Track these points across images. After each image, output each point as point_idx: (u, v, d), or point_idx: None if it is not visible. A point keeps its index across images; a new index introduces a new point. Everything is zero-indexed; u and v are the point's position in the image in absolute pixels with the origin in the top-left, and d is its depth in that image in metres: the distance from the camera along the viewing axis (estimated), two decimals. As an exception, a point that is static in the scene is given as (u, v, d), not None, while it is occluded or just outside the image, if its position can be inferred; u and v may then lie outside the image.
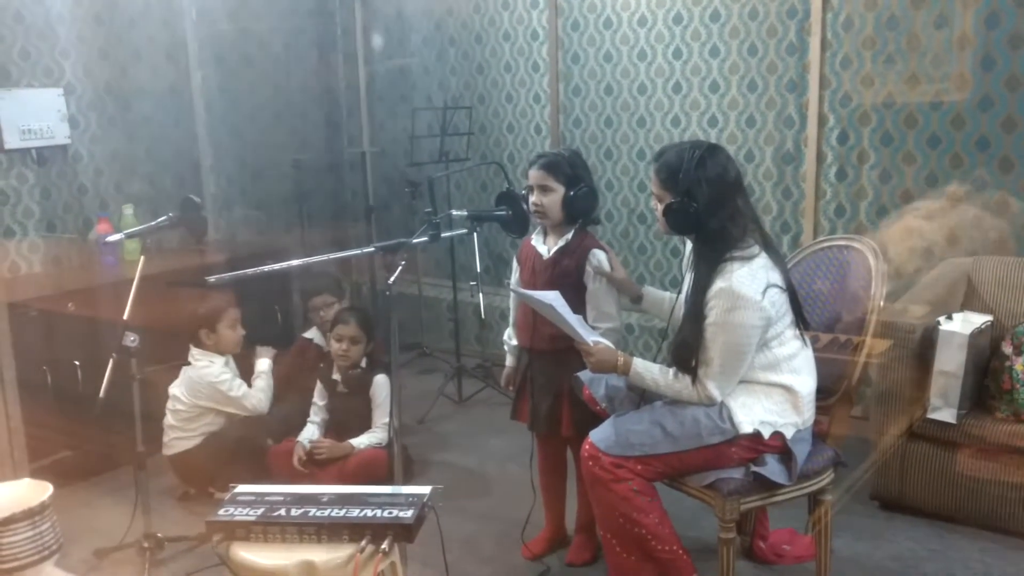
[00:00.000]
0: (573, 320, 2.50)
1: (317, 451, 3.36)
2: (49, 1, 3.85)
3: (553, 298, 2.50)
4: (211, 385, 3.41)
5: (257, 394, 3.47)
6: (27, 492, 2.40)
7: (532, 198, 2.71)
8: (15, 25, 3.75)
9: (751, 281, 2.27)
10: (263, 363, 3.55)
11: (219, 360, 3.47)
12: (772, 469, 2.36)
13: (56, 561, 2.48)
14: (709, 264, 2.33)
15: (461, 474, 3.59)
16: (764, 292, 2.27)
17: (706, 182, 2.30)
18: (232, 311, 3.49)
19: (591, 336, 2.50)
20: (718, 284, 2.28)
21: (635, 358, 2.43)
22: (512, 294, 2.95)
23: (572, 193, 2.69)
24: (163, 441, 3.44)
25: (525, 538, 2.95)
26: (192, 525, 3.04)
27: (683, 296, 2.46)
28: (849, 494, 3.08)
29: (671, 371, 2.38)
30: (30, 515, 2.30)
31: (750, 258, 2.30)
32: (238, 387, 3.45)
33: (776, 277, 2.34)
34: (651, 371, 2.41)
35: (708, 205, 2.30)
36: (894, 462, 3.01)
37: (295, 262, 2.36)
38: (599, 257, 2.71)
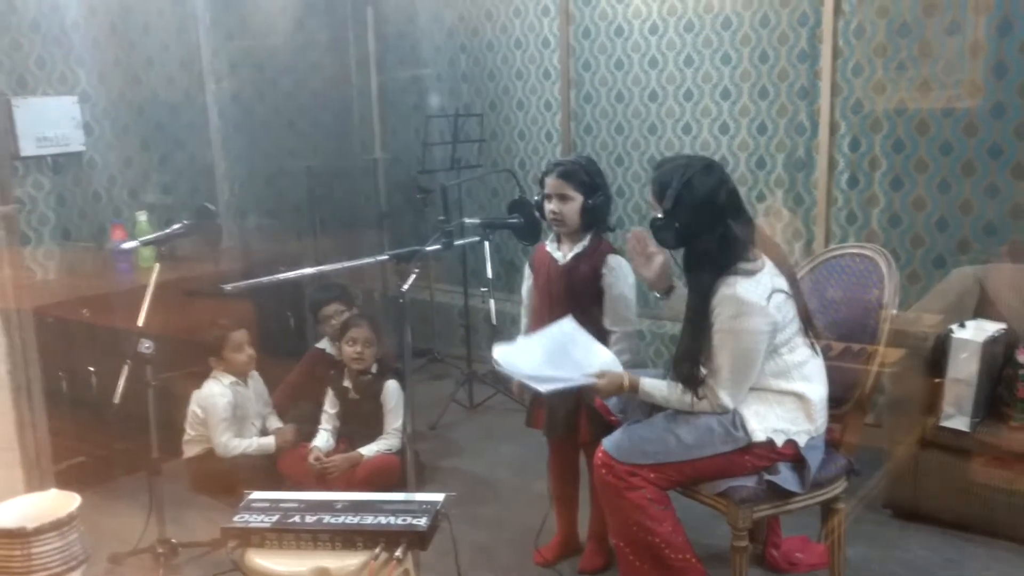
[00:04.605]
0: (581, 345, 2.52)
1: (327, 471, 3.37)
2: (65, 10, 3.88)
3: (562, 328, 2.54)
4: (208, 400, 3.49)
5: (226, 445, 3.46)
6: (55, 503, 2.41)
7: (550, 206, 2.71)
8: (32, 34, 3.78)
9: (755, 287, 2.28)
10: (266, 442, 3.55)
11: (225, 380, 3.53)
12: (785, 477, 2.36)
13: (83, 572, 2.49)
14: (698, 280, 2.34)
15: (472, 480, 3.60)
16: (769, 297, 2.29)
17: (693, 202, 2.31)
18: (236, 335, 3.54)
19: (597, 361, 2.51)
20: (722, 291, 2.30)
21: (641, 378, 2.45)
22: (524, 299, 2.96)
23: (591, 202, 2.71)
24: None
25: (537, 544, 2.95)
26: (206, 531, 3.05)
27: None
28: (862, 502, 3.07)
29: (679, 386, 2.39)
30: (58, 526, 2.31)
31: (757, 270, 2.32)
32: (219, 420, 3.47)
33: (781, 283, 2.35)
34: (659, 388, 2.42)
35: (693, 224, 2.31)
36: (907, 470, 3.00)
37: (310, 270, 2.38)
38: (615, 263, 2.73)
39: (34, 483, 2.59)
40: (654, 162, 4.16)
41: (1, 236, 2.45)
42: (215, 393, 3.49)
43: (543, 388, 2.45)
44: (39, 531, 2.28)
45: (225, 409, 3.48)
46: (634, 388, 2.44)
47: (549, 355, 2.52)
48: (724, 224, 2.32)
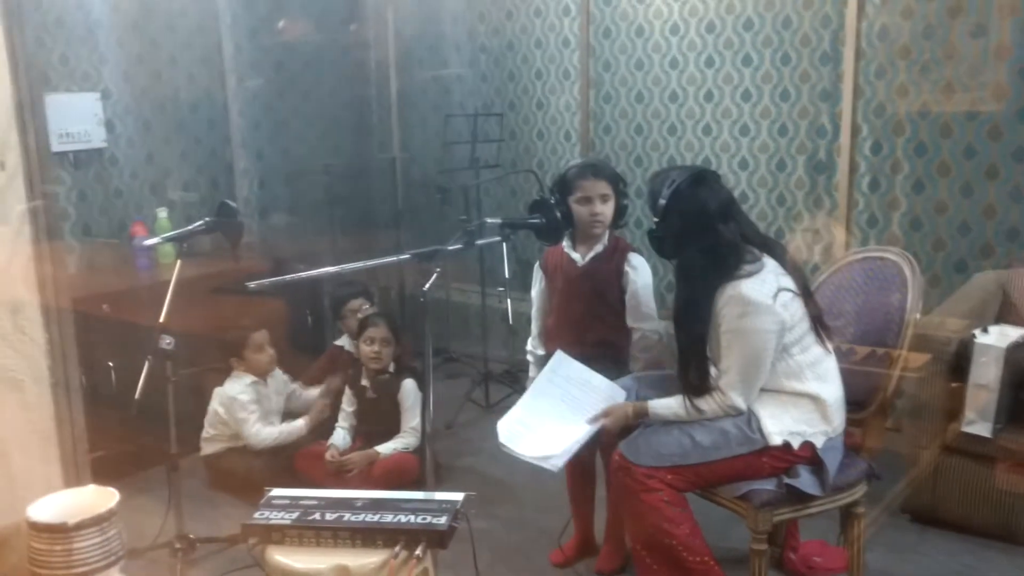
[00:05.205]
0: (577, 381, 2.57)
1: (346, 468, 3.38)
2: (88, 7, 3.91)
3: (555, 368, 2.59)
4: (230, 399, 3.51)
5: (259, 435, 3.49)
6: (94, 498, 2.42)
7: (590, 208, 2.72)
8: (56, 31, 3.81)
9: (760, 286, 2.29)
10: (297, 424, 3.57)
11: (246, 379, 3.55)
12: (805, 481, 2.35)
13: (122, 567, 2.50)
14: (695, 288, 2.36)
15: (488, 480, 3.59)
16: (775, 296, 2.29)
17: (682, 211, 2.34)
18: (256, 336, 3.57)
19: (598, 395, 2.55)
20: (728, 292, 2.30)
21: (648, 401, 2.46)
22: (535, 302, 2.95)
23: (623, 200, 2.76)
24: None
25: (555, 545, 2.95)
26: (224, 527, 3.06)
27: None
28: (881, 507, 3.05)
29: (687, 399, 2.39)
30: (99, 521, 2.32)
31: (756, 272, 2.32)
32: (248, 413, 3.50)
33: (787, 282, 2.35)
34: (668, 406, 2.42)
35: (685, 233, 2.35)
36: (927, 475, 2.99)
37: (332, 269, 2.39)
38: (637, 262, 2.77)
39: (71, 478, 2.60)
40: (675, 163, 4.19)
41: (41, 231, 2.46)
42: (237, 390, 3.51)
43: (556, 466, 2.47)
44: (80, 526, 2.29)
45: (250, 402, 3.50)
46: (641, 413, 2.45)
47: (551, 409, 2.57)
48: (716, 232, 2.33)
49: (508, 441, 2.53)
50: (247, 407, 3.49)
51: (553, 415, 2.55)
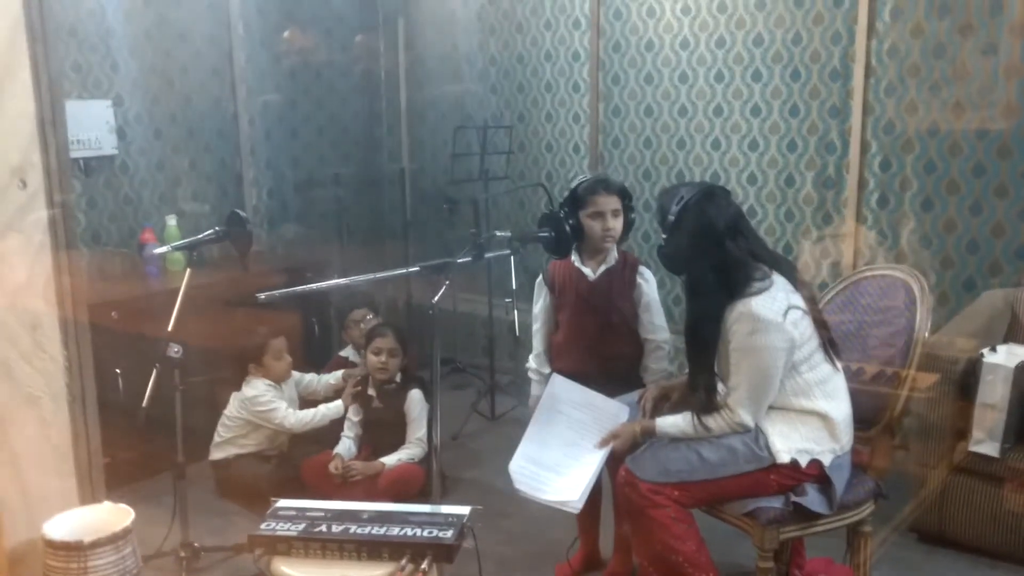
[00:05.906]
0: (578, 404, 2.59)
1: (350, 474, 3.39)
2: (101, 15, 3.94)
3: (554, 393, 2.61)
4: (250, 399, 3.52)
5: (293, 416, 3.52)
6: (109, 516, 2.42)
7: (604, 224, 2.73)
8: (69, 39, 3.83)
9: (771, 303, 2.29)
10: (335, 404, 3.59)
11: (264, 382, 3.57)
12: (812, 499, 2.35)
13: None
14: (703, 305, 2.37)
15: (494, 492, 3.57)
16: (785, 314, 2.29)
17: (690, 227, 2.35)
18: (276, 343, 3.59)
19: (602, 415, 2.57)
20: (738, 309, 2.30)
21: (656, 420, 2.47)
22: (539, 317, 2.93)
23: (631, 214, 2.78)
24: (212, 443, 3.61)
25: (561, 560, 2.95)
26: (230, 536, 3.06)
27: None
28: (888, 525, 3.04)
29: (695, 416, 2.39)
30: (114, 540, 2.32)
31: (765, 289, 2.32)
32: (275, 404, 3.52)
33: (797, 299, 2.35)
34: (676, 424, 2.42)
35: (692, 249, 2.36)
36: (935, 495, 2.98)
37: (342, 280, 2.39)
38: (648, 275, 2.81)
39: (86, 494, 2.59)
40: (683, 176, 4.20)
41: (60, 245, 2.45)
42: (259, 389, 3.53)
43: (576, 508, 2.49)
44: (95, 545, 2.29)
45: (275, 397, 3.53)
46: (649, 431, 2.46)
47: (557, 438, 2.58)
48: (725, 249, 2.34)
49: (524, 487, 2.54)
50: (272, 401, 3.52)
51: (561, 444, 2.56)
